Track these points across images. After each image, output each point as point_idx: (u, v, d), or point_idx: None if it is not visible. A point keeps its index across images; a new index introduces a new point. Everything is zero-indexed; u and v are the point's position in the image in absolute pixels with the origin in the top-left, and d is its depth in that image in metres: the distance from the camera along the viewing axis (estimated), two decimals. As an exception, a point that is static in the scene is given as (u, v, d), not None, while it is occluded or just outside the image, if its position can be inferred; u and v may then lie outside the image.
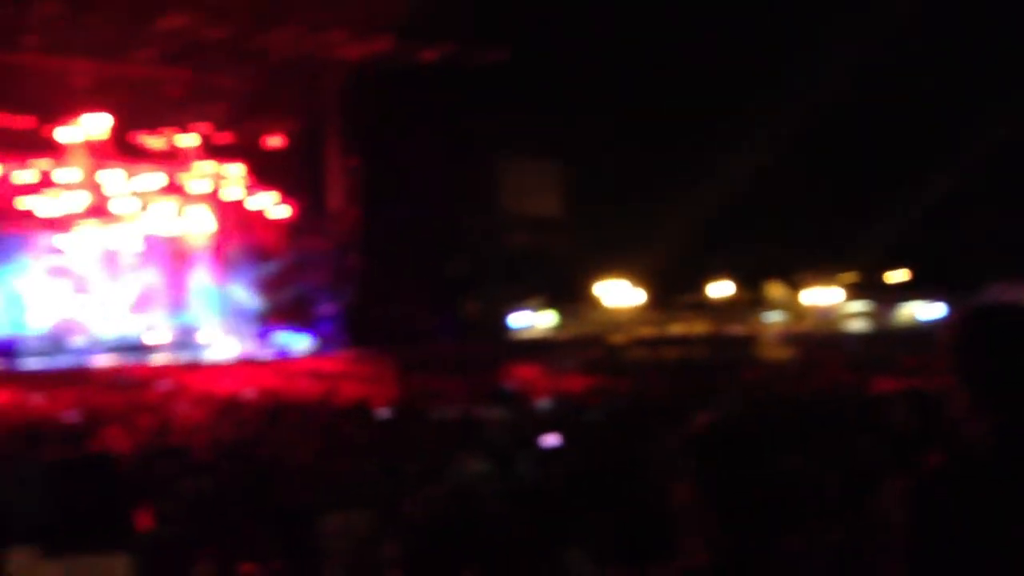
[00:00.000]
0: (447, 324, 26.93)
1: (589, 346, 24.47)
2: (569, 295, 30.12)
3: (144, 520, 6.68)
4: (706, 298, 32.47)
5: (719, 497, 1.92)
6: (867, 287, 34.10)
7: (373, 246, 26.15)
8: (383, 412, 12.26)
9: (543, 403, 12.75)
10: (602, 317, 29.78)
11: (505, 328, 28.67)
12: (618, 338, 26.69)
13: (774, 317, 33.12)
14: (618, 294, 29.58)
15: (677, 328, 31.35)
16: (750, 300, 33.04)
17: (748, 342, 26.57)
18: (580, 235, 29.36)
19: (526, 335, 28.96)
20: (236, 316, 27.34)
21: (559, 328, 30.31)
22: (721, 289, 32.35)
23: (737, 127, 25.76)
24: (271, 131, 26.99)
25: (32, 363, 22.79)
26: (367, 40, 24.09)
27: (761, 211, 28.57)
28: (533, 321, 29.97)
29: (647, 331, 29.02)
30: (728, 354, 23.27)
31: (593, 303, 30.22)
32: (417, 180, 26.33)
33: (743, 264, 31.00)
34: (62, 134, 24.30)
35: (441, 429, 10.52)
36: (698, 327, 31.01)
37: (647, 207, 27.61)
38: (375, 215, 26.23)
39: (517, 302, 29.08)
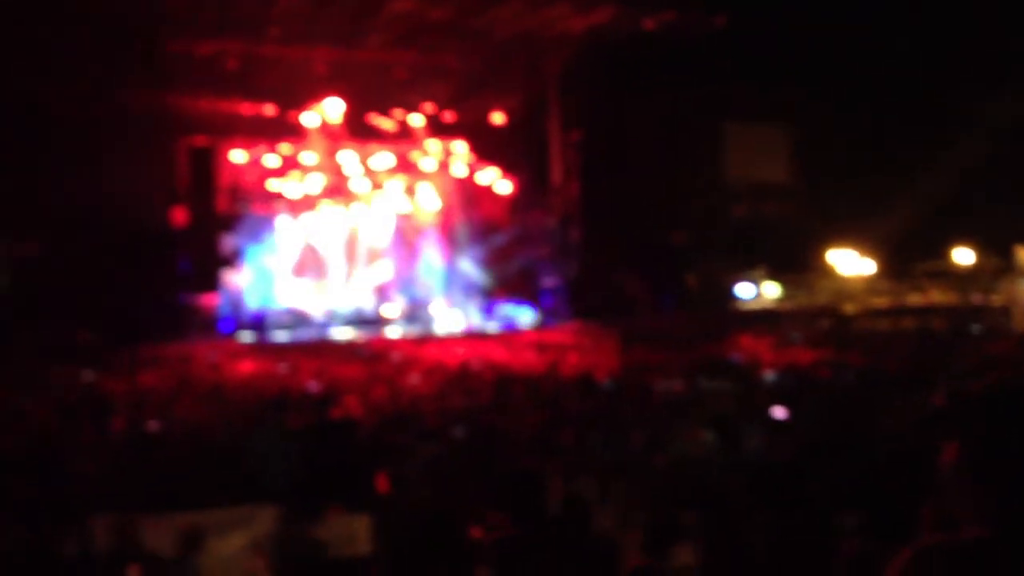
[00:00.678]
0: (670, 295, 26.66)
1: (818, 317, 23.55)
2: (796, 264, 29.01)
3: (382, 483, 7.01)
4: (948, 266, 30.45)
5: (990, 467, 1.82)
6: None
7: (595, 218, 26.19)
8: (607, 383, 12.31)
9: (769, 375, 12.44)
10: (832, 287, 28.56)
11: (729, 299, 28.07)
12: (849, 309, 25.51)
13: (1026, 285, 30.60)
14: (849, 263, 28.27)
15: (914, 298, 29.61)
16: (998, 267, 30.70)
17: (995, 312, 24.73)
18: (809, 202, 28.23)
19: (751, 306, 28.18)
20: (463, 290, 28.26)
21: (786, 299, 29.25)
22: (965, 256, 30.24)
23: (982, 81, 23.96)
24: (494, 107, 27.52)
25: (278, 335, 24.44)
26: (588, 12, 24.02)
27: (1011, 170, 26.43)
28: (758, 291, 29.10)
29: (881, 301, 27.57)
30: (972, 325, 21.78)
31: (822, 272, 29.03)
32: (639, 151, 26.08)
33: (990, 228, 28.79)
34: (303, 119, 25.80)
35: (665, 400, 10.46)
36: (938, 297, 29.14)
37: (882, 170, 26.17)
38: (597, 187, 26.24)
39: (742, 272, 28.35)
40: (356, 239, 27.83)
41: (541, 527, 6.01)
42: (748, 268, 28.34)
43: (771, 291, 28.69)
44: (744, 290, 28.15)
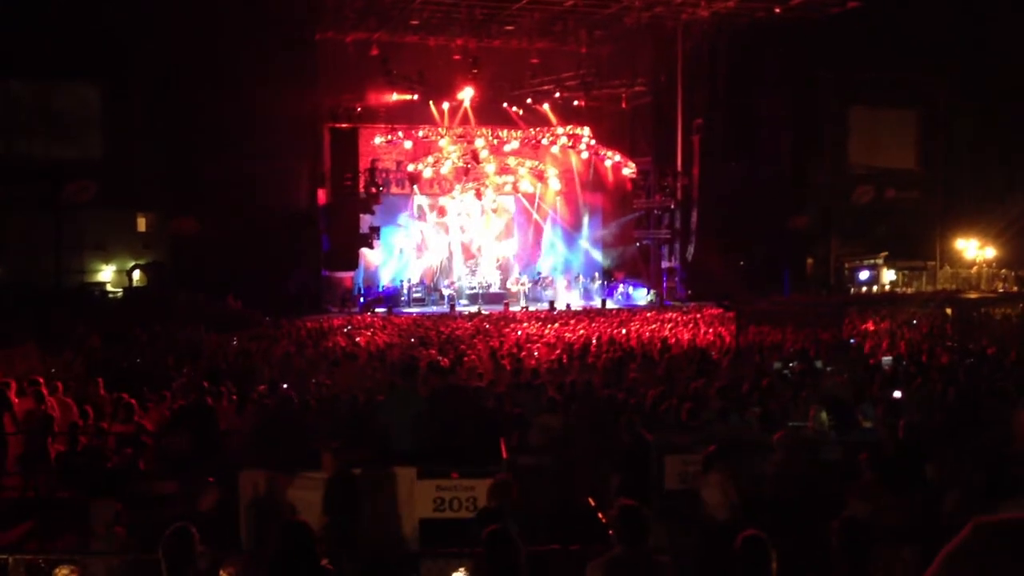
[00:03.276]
0: (789, 277, 26.48)
1: (938, 303, 22.88)
2: (918, 250, 28.26)
3: (503, 449, 7.45)
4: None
5: None
6: None
7: (715, 202, 26.20)
8: (723, 361, 12.57)
9: (886, 359, 12.47)
10: (953, 273, 27.74)
11: (848, 282, 27.70)
12: (971, 295, 24.68)
13: None
14: (971, 249, 27.49)
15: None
16: None
17: None
18: (932, 188, 27.64)
19: (870, 290, 27.63)
20: (584, 269, 28.81)
21: (905, 284, 28.47)
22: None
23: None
24: (620, 93, 27.90)
25: (408, 309, 25.40)
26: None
27: None
28: (878, 276, 28.45)
29: (1006, 288, 26.54)
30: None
31: (943, 258, 28.27)
32: (762, 136, 25.99)
33: None
34: (440, 105, 26.75)
35: (780, 379, 10.66)
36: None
37: (1008, 157, 25.34)
38: (719, 171, 26.26)
39: (862, 256, 27.87)
40: (483, 219, 28.74)
41: (657, 499, 6.35)
42: (869, 252, 27.81)
43: (891, 276, 28.08)
44: (863, 274, 27.69)
